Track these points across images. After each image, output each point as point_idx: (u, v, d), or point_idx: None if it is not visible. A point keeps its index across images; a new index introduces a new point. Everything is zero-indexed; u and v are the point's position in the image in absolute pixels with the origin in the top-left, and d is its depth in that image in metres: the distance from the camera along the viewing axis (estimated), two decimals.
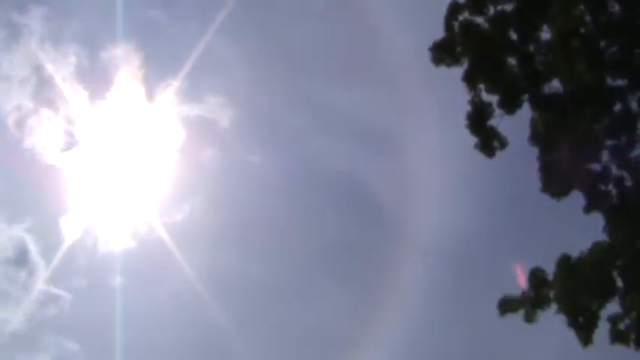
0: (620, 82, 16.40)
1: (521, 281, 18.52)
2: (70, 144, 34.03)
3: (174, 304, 35.56)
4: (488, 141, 18.27)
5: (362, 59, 33.11)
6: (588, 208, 17.97)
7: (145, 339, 35.06)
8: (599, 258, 16.76)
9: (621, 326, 17.26)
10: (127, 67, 31.93)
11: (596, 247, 16.96)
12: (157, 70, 31.77)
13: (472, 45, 17.81)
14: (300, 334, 35.86)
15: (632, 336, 17.17)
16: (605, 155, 17.51)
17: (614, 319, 17.44)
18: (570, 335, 17.04)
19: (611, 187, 17.66)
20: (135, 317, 34.93)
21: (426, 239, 32.92)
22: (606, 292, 16.81)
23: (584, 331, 16.78)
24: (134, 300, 34.90)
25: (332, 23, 33.70)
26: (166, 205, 34.13)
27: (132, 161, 34.00)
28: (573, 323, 16.80)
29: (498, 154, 18.77)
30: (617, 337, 17.38)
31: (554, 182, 18.05)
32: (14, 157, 34.57)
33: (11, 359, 35.16)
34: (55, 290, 35.37)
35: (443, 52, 18.48)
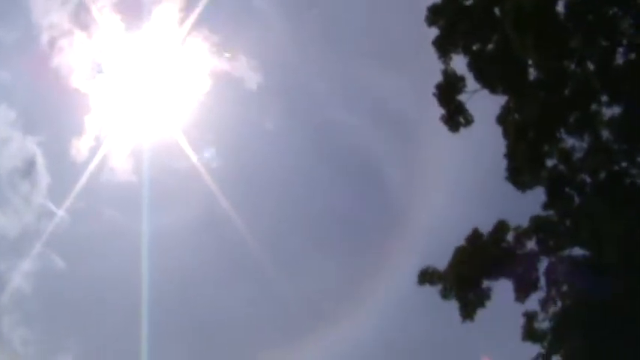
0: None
1: None
2: (97, 70, 34.72)
3: (175, 238, 35.55)
4: (455, 115, 18.15)
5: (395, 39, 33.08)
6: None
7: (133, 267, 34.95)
8: None
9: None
10: (166, 6, 32.59)
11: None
12: (195, 15, 32.25)
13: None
14: None
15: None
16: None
17: (530, 316, 17.45)
18: None
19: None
20: (126, 247, 35.02)
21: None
22: None
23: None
24: (129, 230, 35.05)
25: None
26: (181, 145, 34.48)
27: (153, 96, 34.56)
28: None
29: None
30: (530, 334, 17.33)
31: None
32: (41, 73, 35.35)
33: None
34: (53, 207, 35.89)
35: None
